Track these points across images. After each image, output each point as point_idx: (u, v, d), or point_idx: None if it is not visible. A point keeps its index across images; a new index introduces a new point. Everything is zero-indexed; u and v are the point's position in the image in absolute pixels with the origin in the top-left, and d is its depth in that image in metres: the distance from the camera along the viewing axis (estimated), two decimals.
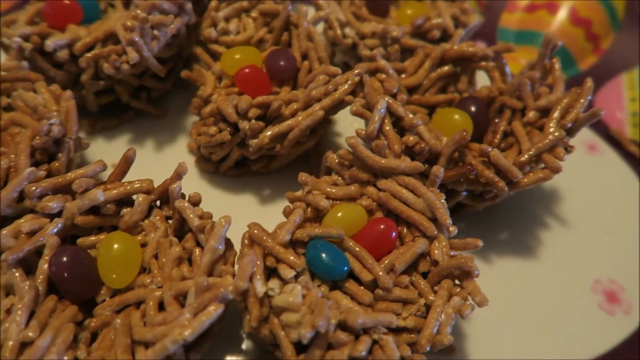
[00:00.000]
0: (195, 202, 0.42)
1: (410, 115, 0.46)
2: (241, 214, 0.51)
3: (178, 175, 0.42)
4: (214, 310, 0.34)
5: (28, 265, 0.38)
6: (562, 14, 0.70)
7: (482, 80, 0.58)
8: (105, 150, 0.55)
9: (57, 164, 0.44)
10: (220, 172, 0.54)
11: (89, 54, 0.49)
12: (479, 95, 0.53)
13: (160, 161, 0.55)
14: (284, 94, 0.50)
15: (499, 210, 0.54)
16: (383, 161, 0.42)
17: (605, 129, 0.62)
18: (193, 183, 0.53)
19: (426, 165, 0.46)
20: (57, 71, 0.51)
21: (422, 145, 0.44)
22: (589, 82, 0.47)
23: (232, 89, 0.51)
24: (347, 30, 0.58)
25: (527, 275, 0.50)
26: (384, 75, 0.50)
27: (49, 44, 0.48)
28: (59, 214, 0.40)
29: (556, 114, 0.46)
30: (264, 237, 0.39)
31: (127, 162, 0.43)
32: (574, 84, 0.65)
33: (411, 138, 0.44)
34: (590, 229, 0.54)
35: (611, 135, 0.61)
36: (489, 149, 0.44)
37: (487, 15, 0.72)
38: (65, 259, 0.37)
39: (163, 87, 0.57)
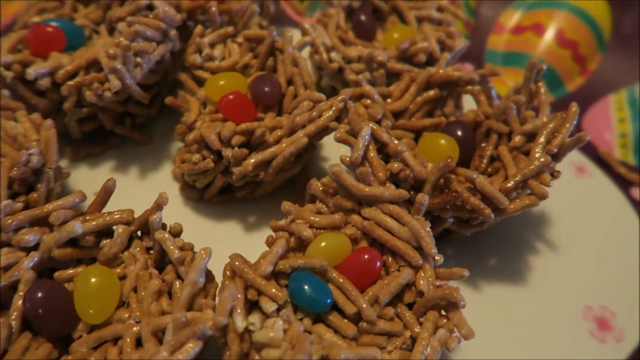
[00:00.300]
0: (176, 232, 0.41)
1: (395, 142, 0.46)
2: (226, 242, 0.51)
3: (158, 205, 0.41)
4: (192, 348, 0.33)
5: (2, 301, 0.37)
6: (549, 35, 0.70)
7: (469, 103, 0.58)
8: (89, 178, 0.54)
9: (35, 195, 0.43)
10: (205, 199, 0.53)
11: (71, 82, 0.48)
12: (466, 119, 0.52)
13: (145, 188, 0.54)
14: (269, 120, 0.50)
15: (487, 236, 0.53)
16: (367, 189, 0.42)
17: (594, 150, 0.62)
18: (177, 211, 0.53)
19: (412, 192, 0.45)
20: (39, 99, 0.50)
21: (407, 172, 0.44)
22: (574, 107, 0.47)
23: (216, 115, 0.50)
24: (334, 54, 0.58)
25: (516, 302, 0.49)
26: (369, 101, 0.49)
27: (30, 72, 0.48)
28: (35, 247, 0.39)
29: (542, 139, 0.46)
30: (245, 269, 0.38)
31: (106, 193, 0.42)
32: (561, 105, 0.65)
33: (396, 165, 0.44)
34: (581, 253, 0.53)
35: (600, 157, 0.61)
36: (475, 176, 0.44)
37: (474, 37, 0.72)
38: (40, 294, 0.36)
39: (147, 113, 0.56)
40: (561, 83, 0.68)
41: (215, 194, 0.52)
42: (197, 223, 0.52)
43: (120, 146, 0.57)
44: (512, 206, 0.44)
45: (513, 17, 0.72)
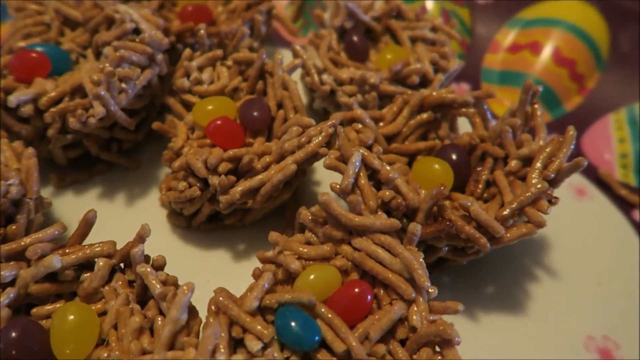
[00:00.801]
0: (159, 265, 0.40)
1: (387, 168, 0.44)
2: (214, 271, 0.49)
3: (140, 238, 0.40)
4: None
5: None
6: (546, 54, 0.69)
7: (464, 125, 0.57)
8: (74, 205, 0.53)
9: (14, 227, 0.41)
10: (193, 226, 0.52)
11: (54, 109, 0.47)
12: (460, 142, 0.51)
13: (132, 216, 0.53)
14: (258, 145, 0.49)
15: (484, 263, 0.51)
16: (357, 219, 0.40)
17: (594, 171, 0.60)
18: (164, 238, 0.51)
19: (404, 220, 0.44)
20: (22, 126, 0.49)
21: (399, 200, 0.42)
22: (571, 131, 0.45)
23: (204, 140, 0.49)
24: (325, 76, 0.57)
25: (515, 333, 0.47)
26: (360, 125, 0.48)
27: (12, 99, 0.46)
28: (12, 283, 0.38)
29: (538, 164, 0.44)
30: (230, 305, 0.36)
31: (87, 225, 0.40)
32: (560, 125, 0.64)
33: (387, 193, 0.42)
34: (582, 280, 0.51)
35: (600, 179, 0.59)
36: (469, 204, 0.42)
37: (470, 56, 0.71)
38: (14, 334, 0.35)
39: (135, 138, 0.55)
40: (559, 102, 0.67)
41: (203, 221, 0.51)
42: (184, 251, 0.50)
43: (107, 172, 0.56)
44: (508, 235, 0.42)
45: (509, 36, 0.71)
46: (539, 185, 0.43)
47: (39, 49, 0.52)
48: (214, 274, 0.49)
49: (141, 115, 0.54)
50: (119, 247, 0.41)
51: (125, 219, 0.52)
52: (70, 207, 0.53)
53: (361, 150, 0.44)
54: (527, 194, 0.43)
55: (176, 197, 0.47)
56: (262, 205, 0.48)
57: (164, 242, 0.51)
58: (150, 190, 0.55)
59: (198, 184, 0.46)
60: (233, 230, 0.52)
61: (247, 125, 0.50)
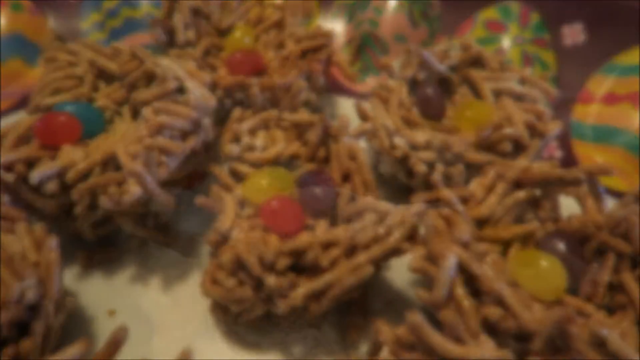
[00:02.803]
0: None
1: (489, 273, 0.35)
2: None
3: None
4: None
5: None
6: None
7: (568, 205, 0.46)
8: (103, 290, 0.45)
9: (28, 343, 0.34)
10: (240, 323, 0.43)
11: (83, 185, 0.40)
12: (568, 228, 0.41)
13: (169, 306, 0.45)
14: (321, 230, 0.40)
15: None
16: (457, 350, 0.31)
17: None
18: (205, 335, 0.43)
19: (512, 342, 0.34)
20: (45, 201, 0.42)
21: (510, 323, 0.33)
22: None
23: (256, 220, 0.41)
24: (397, 139, 0.48)
25: None
26: (448, 210, 0.39)
27: (35, 176, 0.39)
28: None
29: None
30: None
31: (115, 346, 0.32)
32: None
33: (493, 310, 0.33)
34: None
35: None
36: (605, 332, 0.32)
37: (557, 107, 0.61)
38: None
39: (174, 209, 0.47)
40: None
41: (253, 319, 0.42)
42: (229, 354, 0.42)
43: (141, 248, 0.48)
44: None
45: (604, 84, 0.61)
46: None
47: (68, 108, 0.45)
48: None
49: (182, 184, 0.47)
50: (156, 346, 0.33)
51: (161, 309, 0.44)
52: (98, 293, 0.45)
53: (456, 250, 0.35)
54: None
55: (223, 296, 0.38)
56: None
57: (205, 342, 0.42)
58: (190, 272, 0.47)
59: (250, 281, 0.38)
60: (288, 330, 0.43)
61: (307, 204, 0.41)
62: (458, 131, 0.50)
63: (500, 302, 0.34)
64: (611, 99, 0.60)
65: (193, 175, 0.49)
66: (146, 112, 0.43)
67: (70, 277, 0.46)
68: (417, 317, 0.32)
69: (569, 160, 0.58)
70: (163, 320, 0.43)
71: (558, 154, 0.59)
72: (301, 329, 0.43)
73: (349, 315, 0.43)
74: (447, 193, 0.40)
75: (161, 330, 0.43)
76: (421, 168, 0.46)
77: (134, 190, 0.39)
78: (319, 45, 0.55)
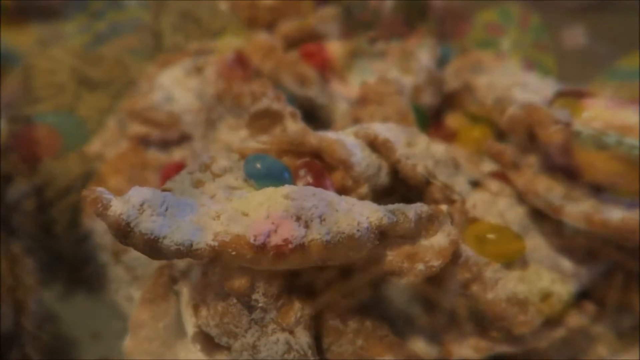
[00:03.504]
0: None
1: None
2: None
3: None
4: None
5: None
6: None
7: None
8: (87, 313, 0.43)
9: None
10: None
11: (63, 203, 0.38)
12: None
13: None
14: None
15: None
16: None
17: None
18: None
19: None
20: (23, 219, 0.40)
21: None
22: None
23: None
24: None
25: None
26: None
27: (12, 193, 0.37)
28: None
29: None
30: None
31: None
32: None
33: None
34: None
35: None
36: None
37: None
38: None
39: None
40: None
41: None
42: None
43: None
44: None
45: (606, 89, 0.60)
46: None
47: (49, 119, 0.42)
48: None
49: None
50: None
51: None
52: (81, 314, 0.43)
53: None
54: None
55: None
56: None
57: None
58: None
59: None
60: None
61: None
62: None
63: None
64: (613, 104, 0.59)
65: None
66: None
67: (52, 297, 0.43)
68: None
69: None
70: None
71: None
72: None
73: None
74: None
75: None
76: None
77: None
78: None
